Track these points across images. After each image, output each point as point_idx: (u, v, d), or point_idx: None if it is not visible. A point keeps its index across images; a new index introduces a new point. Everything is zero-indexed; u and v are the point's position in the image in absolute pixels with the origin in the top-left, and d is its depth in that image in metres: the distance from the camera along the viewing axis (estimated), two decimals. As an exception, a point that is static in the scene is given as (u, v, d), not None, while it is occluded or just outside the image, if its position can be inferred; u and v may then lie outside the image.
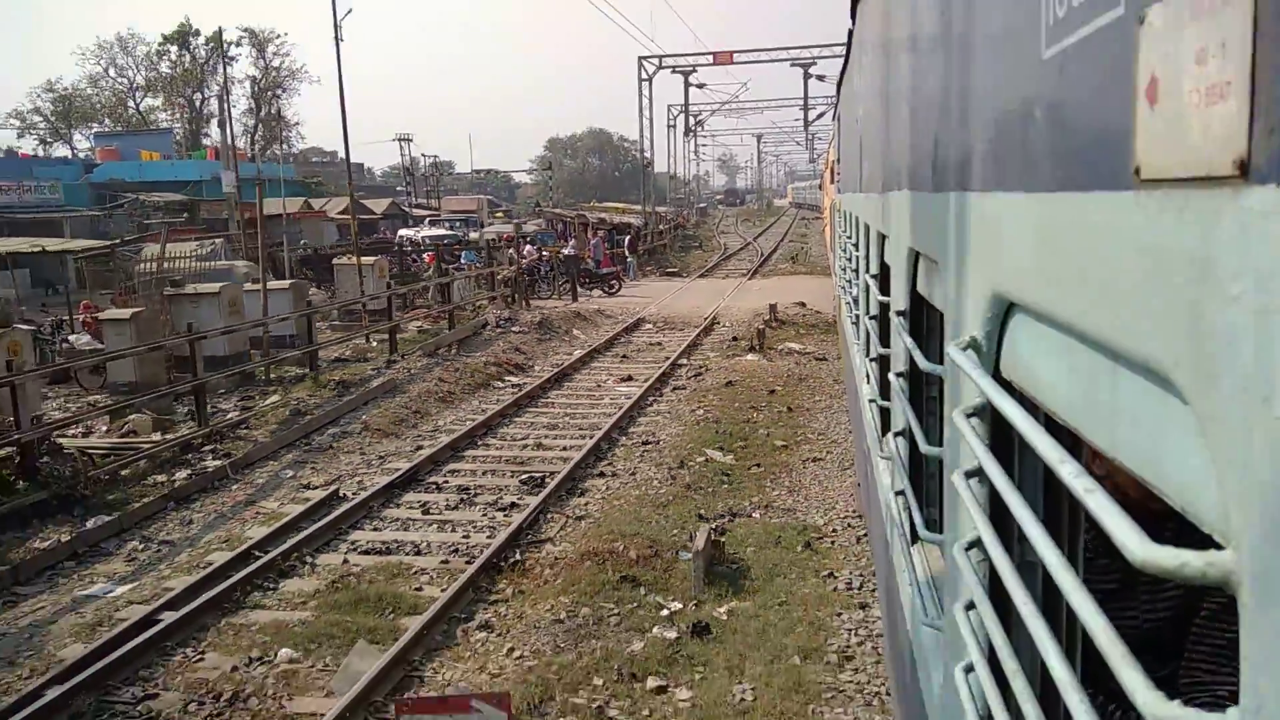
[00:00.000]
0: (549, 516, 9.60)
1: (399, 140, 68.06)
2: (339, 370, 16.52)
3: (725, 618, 7.14)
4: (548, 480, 10.62)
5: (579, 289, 27.83)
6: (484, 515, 9.81)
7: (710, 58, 43.36)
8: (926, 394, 3.01)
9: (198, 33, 73.11)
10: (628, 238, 36.10)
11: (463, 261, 27.89)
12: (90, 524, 9.56)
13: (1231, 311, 0.71)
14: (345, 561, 8.59)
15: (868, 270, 5.30)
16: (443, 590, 7.76)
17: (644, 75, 45.65)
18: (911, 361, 2.66)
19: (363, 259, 23.04)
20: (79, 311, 18.91)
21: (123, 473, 10.96)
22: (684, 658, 6.57)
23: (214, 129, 75.94)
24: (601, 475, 11.05)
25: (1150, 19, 0.84)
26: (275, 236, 28.71)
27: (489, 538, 9.02)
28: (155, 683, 6.55)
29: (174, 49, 72.66)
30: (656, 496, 10.08)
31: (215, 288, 16.55)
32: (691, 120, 48.92)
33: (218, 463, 11.50)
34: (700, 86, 46.04)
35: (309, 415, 13.55)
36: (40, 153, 65.98)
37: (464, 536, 9.20)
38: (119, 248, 24.95)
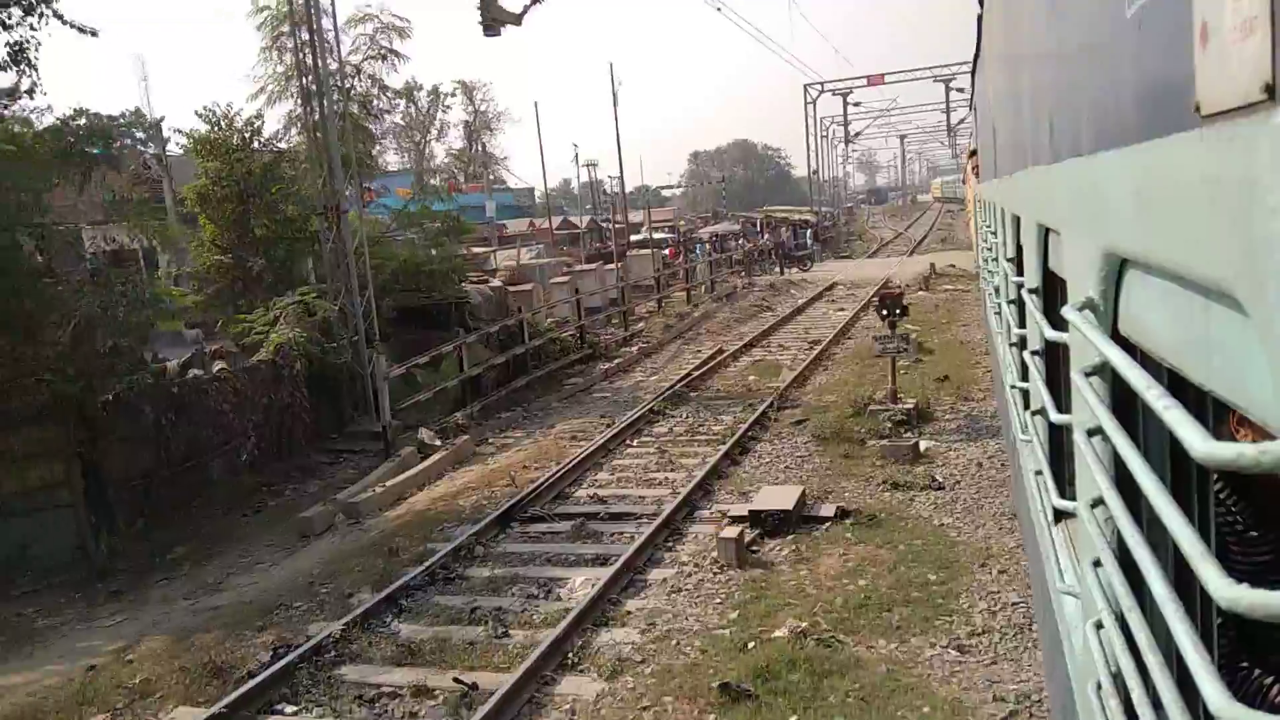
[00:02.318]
0: (831, 350, 20.02)
1: (587, 165, 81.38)
2: (669, 310, 27.55)
3: (925, 360, 17.40)
4: (822, 341, 21.01)
5: (783, 267, 38.30)
6: (797, 350, 20.38)
7: (865, 80, 52.94)
8: (1063, 369, 2.82)
9: (420, 87, 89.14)
10: (810, 230, 46.32)
11: (696, 252, 38.88)
12: (613, 363, 20.66)
13: (1273, 222, 0.77)
14: (750, 359, 19.36)
15: (1005, 255, 5.36)
16: (802, 363, 18.25)
17: (808, 99, 55.69)
18: (1044, 336, 2.62)
19: (644, 252, 34.28)
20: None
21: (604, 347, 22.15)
22: (912, 368, 16.83)
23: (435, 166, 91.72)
24: (850, 338, 21.43)
25: None
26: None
27: (804, 356, 19.45)
28: (709, 383, 17.36)
29: (402, 102, 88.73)
30: (882, 341, 20.34)
31: (592, 267, 27.89)
32: (848, 132, 58.44)
33: (645, 345, 22.53)
34: (856, 105, 55.62)
35: (673, 327, 24.51)
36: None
37: (794, 355, 19.76)
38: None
